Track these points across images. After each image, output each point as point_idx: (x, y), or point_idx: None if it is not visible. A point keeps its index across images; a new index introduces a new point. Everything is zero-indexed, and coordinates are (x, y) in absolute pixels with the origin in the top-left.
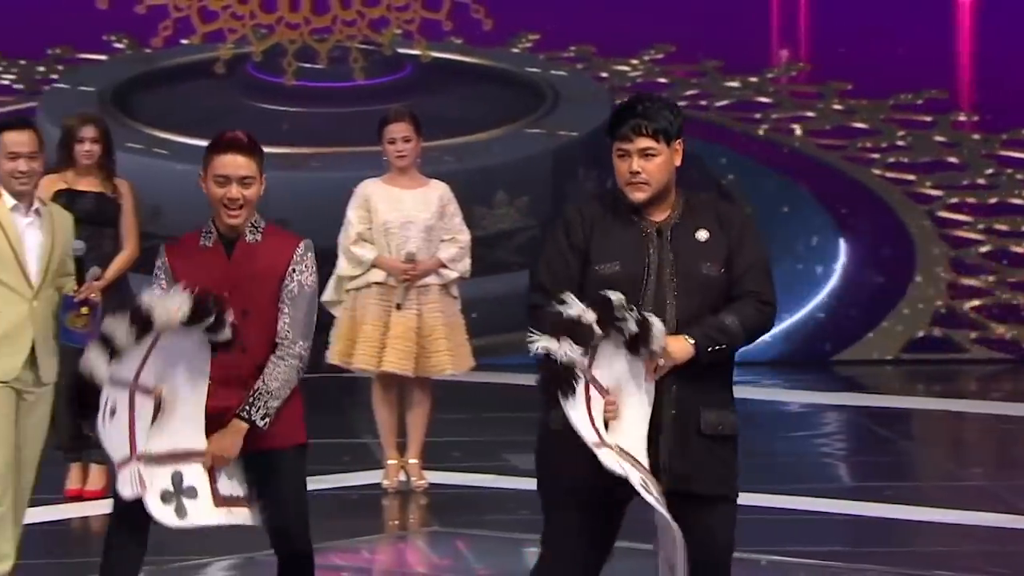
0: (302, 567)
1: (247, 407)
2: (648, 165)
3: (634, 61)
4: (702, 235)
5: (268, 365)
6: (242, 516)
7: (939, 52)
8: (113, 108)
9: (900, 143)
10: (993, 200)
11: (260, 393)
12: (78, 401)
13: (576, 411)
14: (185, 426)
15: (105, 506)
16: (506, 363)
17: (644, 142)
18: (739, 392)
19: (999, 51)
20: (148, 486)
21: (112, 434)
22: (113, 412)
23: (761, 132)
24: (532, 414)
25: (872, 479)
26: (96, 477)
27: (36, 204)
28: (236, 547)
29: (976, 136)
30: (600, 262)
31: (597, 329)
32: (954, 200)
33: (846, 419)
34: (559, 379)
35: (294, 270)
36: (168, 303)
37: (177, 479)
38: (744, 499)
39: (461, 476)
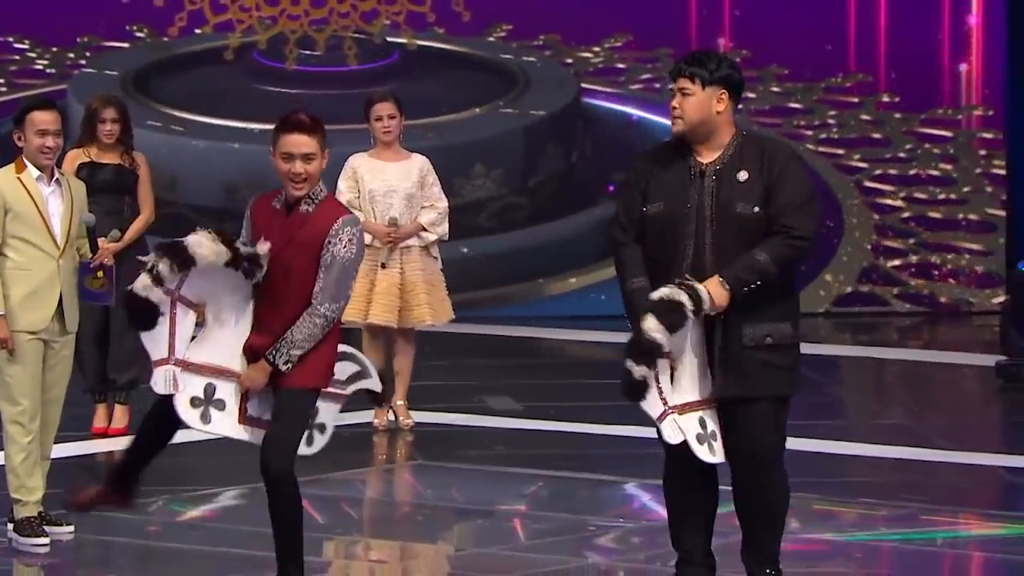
0: (275, 490)
1: (274, 351)
2: (684, 102)
3: (596, 49)
4: (742, 175)
5: (299, 319)
6: (260, 437)
7: (864, 42)
8: (134, 90)
9: (830, 121)
10: (912, 171)
11: (286, 341)
12: (133, 319)
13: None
14: (224, 348)
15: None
16: (483, 315)
17: (682, 82)
18: None
19: (915, 41)
20: (181, 389)
21: (151, 333)
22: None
23: None
24: (506, 360)
25: (805, 418)
26: (120, 416)
27: (56, 175)
28: (243, 478)
29: (897, 115)
30: (649, 203)
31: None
32: (878, 172)
33: None
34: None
35: (330, 242)
36: (215, 247)
37: (210, 390)
38: None
39: (443, 416)
